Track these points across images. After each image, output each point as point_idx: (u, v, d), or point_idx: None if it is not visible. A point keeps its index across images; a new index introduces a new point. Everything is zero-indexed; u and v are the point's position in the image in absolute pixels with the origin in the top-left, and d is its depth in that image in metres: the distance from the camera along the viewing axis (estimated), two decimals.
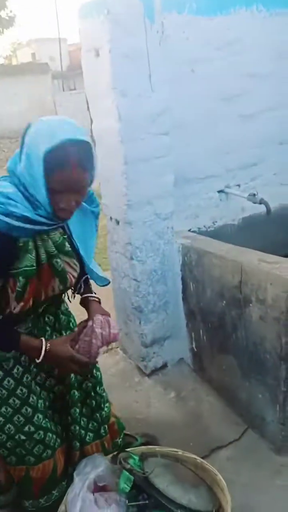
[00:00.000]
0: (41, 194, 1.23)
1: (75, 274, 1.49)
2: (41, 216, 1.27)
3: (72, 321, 1.67)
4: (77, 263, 1.49)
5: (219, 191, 2.64)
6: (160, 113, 2.18)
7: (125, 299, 2.54)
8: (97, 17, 1.99)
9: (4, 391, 1.49)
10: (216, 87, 2.43)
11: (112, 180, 2.32)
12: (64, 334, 1.59)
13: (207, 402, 2.34)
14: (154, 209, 2.33)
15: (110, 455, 1.74)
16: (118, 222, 2.39)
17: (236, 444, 2.07)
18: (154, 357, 2.54)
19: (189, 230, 2.52)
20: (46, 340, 1.43)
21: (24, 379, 1.51)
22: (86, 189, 1.32)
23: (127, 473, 1.63)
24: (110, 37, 1.97)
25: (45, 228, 1.32)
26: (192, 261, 2.31)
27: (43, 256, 1.37)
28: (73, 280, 1.48)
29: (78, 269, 1.50)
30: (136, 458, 1.72)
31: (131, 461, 1.70)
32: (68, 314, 1.66)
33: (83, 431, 1.68)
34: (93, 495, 1.57)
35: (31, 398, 1.52)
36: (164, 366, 2.58)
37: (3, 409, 1.49)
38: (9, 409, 1.50)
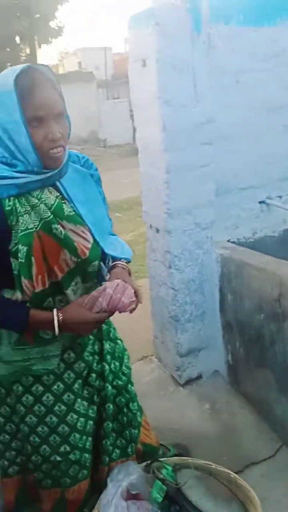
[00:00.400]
0: (23, 136, 1.16)
1: (87, 244, 1.32)
2: (23, 172, 1.20)
3: (112, 331, 1.62)
4: (86, 231, 1.33)
5: (260, 202, 2.61)
6: (204, 123, 2.19)
7: (162, 308, 2.54)
8: (146, 28, 2.02)
9: (42, 408, 1.42)
10: (261, 98, 2.41)
11: (154, 188, 2.34)
12: (105, 344, 1.55)
13: (242, 416, 2.30)
14: (194, 218, 2.33)
15: (144, 464, 1.74)
16: (158, 230, 2.40)
17: (271, 460, 2.03)
18: (189, 367, 2.52)
19: (229, 241, 2.50)
20: (57, 310, 1.31)
21: (65, 396, 1.44)
22: (65, 118, 1.25)
23: (160, 483, 1.62)
24: (157, 47, 2.00)
25: (32, 179, 1.22)
26: (230, 272, 2.29)
27: (36, 222, 1.24)
28: (86, 251, 1.31)
29: (90, 238, 1.34)
30: (170, 468, 1.71)
31: (164, 471, 1.69)
32: (109, 323, 1.61)
33: (111, 447, 1.63)
34: (126, 502, 1.57)
35: (69, 416, 1.44)
36: (199, 377, 2.56)
37: (40, 428, 1.43)
38: (45, 428, 1.43)
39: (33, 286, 1.25)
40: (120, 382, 1.59)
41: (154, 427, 2.22)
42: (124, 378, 1.61)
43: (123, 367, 1.62)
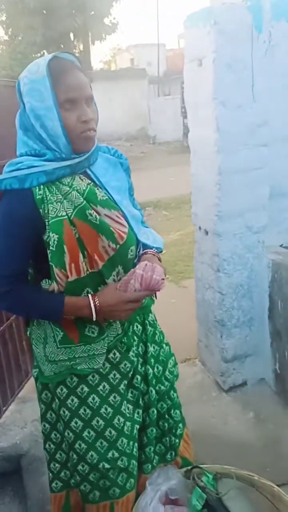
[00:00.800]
0: (55, 120, 1.19)
1: (124, 229, 1.32)
2: (52, 160, 1.22)
3: (158, 334, 1.58)
4: (121, 216, 1.33)
5: None
6: (260, 125, 2.13)
7: (208, 311, 2.50)
8: (203, 27, 1.99)
9: (88, 411, 1.39)
10: None
11: (204, 190, 2.30)
12: (150, 346, 1.52)
13: None
14: (245, 221, 2.27)
15: (184, 469, 1.71)
16: (207, 233, 2.37)
17: None
18: (234, 374, 2.47)
19: (281, 246, 2.42)
20: (93, 295, 1.29)
21: (111, 398, 1.40)
22: (93, 100, 1.27)
23: (200, 491, 1.59)
24: (214, 47, 1.96)
25: (61, 164, 1.23)
26: (282, 278, 2.22)
27: (70, 210, 1.24)
28: (124, 236, 1.31)
29: (125, 223, 1.33)
30: (210, 476, 1.68)
31: (204, 478, 1.66)
32: (155, 326, 1.57)
33: (154, 455, 1.58)
34: (164, 507, 1.55)
35: (116, 419, 1.40)
36: (244, 384, 2.50)
37: (86, 433, 1.39)
38: (92, 432, 1.39)
39: (66, 275, 1.25)
40: (162, 387, 1.56)
41: (194, 432, 2.20)
42: (166, 383, 1.57)
43: (167, 372, 1.59)
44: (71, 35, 19.33)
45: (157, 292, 1.55)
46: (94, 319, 1.29)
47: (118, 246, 1.30)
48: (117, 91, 17.06)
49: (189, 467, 1.72)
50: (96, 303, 1.27)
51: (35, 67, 1.21)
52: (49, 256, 1.24)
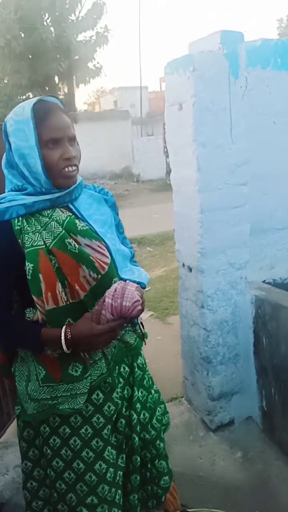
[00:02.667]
0: (36, 158, 1.24)
1: (106, 260, 1.33)
2: (32, 194, 1.28)
3: (147, 378, 1.57)
4: (103, 246, 1.34)
5: None
6: (240, 164, 2.19)
7: (193, 348, 2.49)
8: (183, 73, 2.07)
9: (69, 452, 1.37)
10: None
11: (187, 228, 2.34)
12: (136, 391, 1.49)
13: (277, 467, 2.18)
14: (227, 258, 2.30)
15: None
16: (190, 269, 2.38)
17: None
18: (221, 412, 2.43)
19: (264, 281, 2.45)
20: (67, 326, 1.28)
21: (93, 442, 1.38)
22: (76, 140, 1.33)
23: None
24: (194, 92, 2.03)
25: (40, 198, 1.28)
26: (266, 314, 2.23)
27: (49, 240, 1.26)
28: (105, 266, 1.31)
29: (107, 254, 1.34)
30: None
31: None
32: (144, 370, 1.55)
33: (137, 501, 1.53)
34: None
35: (97, 465, 1.38)
36: (231, 422, 2.46)
37: (66, 474, 1.38)
38: (72, 474, 1.38)
39: (43, 302, 1.26)
40: (147, 436, 1.52)
41: (181, 473, 2.15)
42: (153, 432, 1.53)
43: (154, 420, 1.55)
44: (56, 78, 19.83)
45: (147, 334, 1.56)
46: (66, 350, 1.27)
47: (99, 276, 1.30)
48: (101, 132, 17.45)
49: (179, 511, 1.67)
50: (68, 335, 1.26)
51: (20, 110, 1.28)
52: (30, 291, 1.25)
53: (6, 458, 2.30)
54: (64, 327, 1.27)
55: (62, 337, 1.25)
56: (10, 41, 16.75)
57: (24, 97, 17.96)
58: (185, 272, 2.46)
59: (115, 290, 1.28)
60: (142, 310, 1.30)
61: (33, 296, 1.26)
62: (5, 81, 19.44)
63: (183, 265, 2.47)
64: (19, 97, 17.94)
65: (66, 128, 1.28)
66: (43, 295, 1.25)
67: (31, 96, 17.15)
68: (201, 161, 2.13)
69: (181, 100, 2.14)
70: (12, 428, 2.49)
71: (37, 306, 1.27)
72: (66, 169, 1.28)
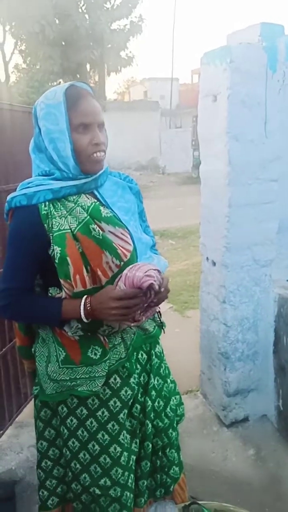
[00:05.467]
0: (66, 142, 1.25)
1: (128, 247, 1.33)
2: (59, 180, 1.29)
3: (164, 367, 1.57)
4: (126, 234, 1.35)
5: None
6: (272, 160, 2.16)
7: (212, 343, 2.48)
8: (220, 65, 2.05)
9: (85, 433, 1.40)
10: None
11: (214, 221, 2.32)
12: (153, 378, 1.50)
13: None
14: (253, 254, 2.28)
15: (182, 505, 1.67)
16: (214, 264, 2.37)
17: None
18: (236, 408, 2.43)
19: None
20: (87, 296, 1.28)
21: (109, 425, 1.39)
22: (104, 127, 1.33)
23: None
24: (229, 84, 2.01)
25: (68, 184, 1.29)
26: None
27: (74, 224, 1.27)
28: (127, 254, 1.32)
29: (130, 241, 1.35)
30: None
31: None
32: (161, 358, 1.56)
33: (145, 488, 1.54)
34: None
35: (112, 448, 1.39)
36: (245, 419, 2.45)
37: (82, 454, 1.41)
38: (87, 455, 1.40)
39: (72, 286, 1.27)
40: (160, 424, 1.52)
41: (193, 466, 2.16)
42: (166, 420, 1.54)
43: (168, 409, 1.55)
44: (88, 66, 19.87)
45: (165, 324, 1.56)
46: (84, 318, 1.27)
47: (122, 263, 1.31)
48: (129, 122, 17.42)
49: (187, 503, 1.67)
50: (87, 304, 1.27)
51: (52, 94, 1.29)
52: (56, 269, 1.27)
53: (21, 438, 2.34)
54: (84, 296, 1.28)
55: (82, 303, 1.27)
56: (44, 27, 16.82)
57: (55, 83, 18.04)
58: (208, 266, 2.45)
59: (135, 265, 1.30)
60: (157, 289, 1.29)
61: (61, 279, 1.27)
62: (37, 67, 19.55)
63: (207, 259, 2.45)
64: (50, 83, 18.02)
65: (96, 114, 1.29)
66: (71, 278, 1.27)
67: (62, 83, 17.19)
68: (233, 155, 2.10)
69: (216, 92, 2.12)
70: (28, 409, 2.53)
71: (64, 289, 1.29)
72: (95, 154, 1.29)
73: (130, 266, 1.30)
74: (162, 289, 1.32)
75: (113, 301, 1.25)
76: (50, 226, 1.27)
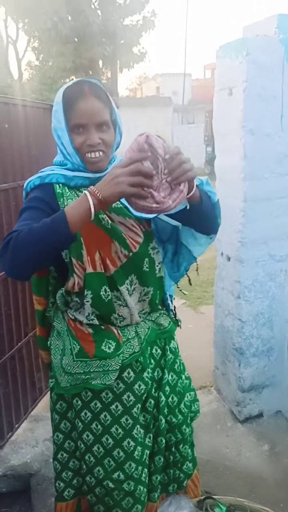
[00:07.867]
0: (68, 140, 1.27)
1: (138, 239, 1.32)
2: (72, 170, 1.31)
3: (178, 363, 1.56)
4: (137, 226, 1.33)
5: None
6: None
7: (226, 338, 2.47)
8: (236, 58, 2.03)
9: (99, 426, 1.41)
10: None
11: (228, 216, 2.30)
12: (167, 373, 1.49)
13: None
14: (268, 249, 2.26)
15: (196, 499, 1.67)
16: (229, 259, 2.36)
17: None
18: (250, 404, 2.42)
19: None
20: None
21: (123, 420, 1.40)
22: (108, 125, 1.29)
23: None
24: (245, 77, 1.99)
25: (81, 174, 1.30)
26: None
27: None
28: (136, 245, 1.31)
29: (141, 233, 1.33)
30: (224, 508, 1.63)
31: (217, 510, 1.62)
32: (176, 354, 1.56)
33: (158, 483, 1.55)
34: None
35: (125, 442, 1.40)
36: (260, 415, 2.45)
37: (95, 447, 1.41)
38: (101, 448, 1.41)
39: (84, 267, 1.28)
40: (174, 419, 1.52)
41: (207, 461, 2.16)
42: (180, 416, 1.53)
43: (181, 405, 1.54)
44: (100, 62, 19.82)
45: (180, 320, 1.56)
46: (92, 205, 1.09)
47: (130, 253, 1.32)
48: (142, 118, 17.34)
49: (202, 497, 1.67)
50: (92, 188, 1.11)
51: (59, 92, 1.32)
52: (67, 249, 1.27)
53: (36, 431, 2.36)
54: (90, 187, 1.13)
55: (87, 190, 1.11)
56: (56, 23, 16.80)
57: (67, 80, 18.04)
58: (223, 261, 2.43)
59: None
60: (161, 153, 1.15)
61: (72, 259, 1.28)
62: (50, 63, 19.57)
63: (222, 254, 2.44)
64: (62, 80, 18.05)
65: (92, 114, 1.27)
66: (84, 258, 1.28)
67: (74, 79, 17.22)
68: (248, 149, 2.09)
69: (231, 85, 2.10)
70: (43, 403, 2.55)
71: (75, 270, 1.29)
72: (88, 155, 1.29)
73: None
74: (167, 156, 1.16)
75: (119, 169, 1.10)
76: (65, 205, 1.28)
